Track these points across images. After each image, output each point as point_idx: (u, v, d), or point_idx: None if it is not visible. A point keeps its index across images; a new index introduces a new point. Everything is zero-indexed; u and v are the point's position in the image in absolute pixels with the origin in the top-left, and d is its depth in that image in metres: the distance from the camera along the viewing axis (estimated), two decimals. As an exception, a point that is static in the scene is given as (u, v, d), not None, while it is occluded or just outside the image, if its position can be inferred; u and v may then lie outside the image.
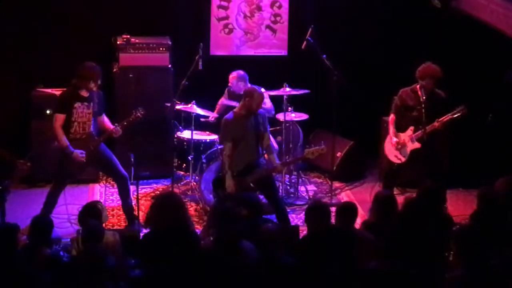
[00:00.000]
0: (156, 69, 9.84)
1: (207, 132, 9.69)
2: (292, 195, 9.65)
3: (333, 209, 6.80)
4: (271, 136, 8.54)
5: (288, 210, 8.67)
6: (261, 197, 8.89)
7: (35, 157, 9.77)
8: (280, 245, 6.13)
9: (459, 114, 8.39)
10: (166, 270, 5.84)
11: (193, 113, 9.27)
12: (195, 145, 9.37)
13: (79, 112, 8.21)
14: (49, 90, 9.76)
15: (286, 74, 9.98)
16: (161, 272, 5.85)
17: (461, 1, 9.63)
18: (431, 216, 6.62)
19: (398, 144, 8.66)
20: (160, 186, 9.85)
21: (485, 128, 9.34)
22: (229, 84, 9.52)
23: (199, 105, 9.39)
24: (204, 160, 9.12)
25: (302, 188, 9.77)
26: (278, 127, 9.55)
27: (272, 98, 9.50)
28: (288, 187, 9.75)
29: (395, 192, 8.79)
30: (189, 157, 9.35)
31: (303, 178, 9.89)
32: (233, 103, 9.24)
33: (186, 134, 9.51)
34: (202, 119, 9.56)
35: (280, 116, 9.50)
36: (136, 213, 8.49)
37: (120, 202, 8.70)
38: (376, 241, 6.43)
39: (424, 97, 8.36)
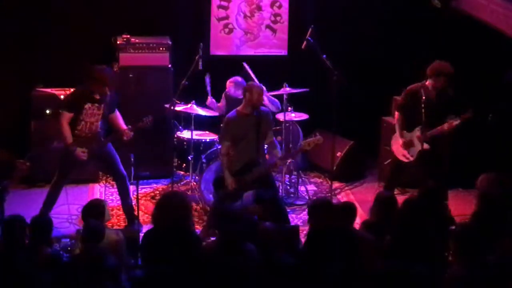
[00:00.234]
0: (156, 69, 9.84)
1: (207, 132, 9.70)
2: (292, 195, 9.65)
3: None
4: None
5: (288, 210, 8.67)
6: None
7: (34, 157, 9.74)
8: (279, 244, 6.13)
9: (467, 118, 8.39)
10: (166, 270, 5.83)
11: (192, 113, 9.27)
12: (195, 145, 9.37)
13: (89, 113, 8.21)
14: (49, 90, 9.76)
15: (286, 74, 9.98)
16: (161, 272, 5.84)
17: (461, 1, 9.62)
18: (431, 216, 6.62)
19: (405, 144, 8.63)
20: (160, 186, 9.85)
21: (485, 128, 9.33)
22: (226, 89, 9.49)
23: (199, 105, 9.39)
24: (204, 160, 9.12)
25: (302, 188, 9.76)
26: (278, 127, 9.55)
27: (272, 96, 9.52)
28: (288, 187, 9.75)
29: (395, 192, 8.79)
30: (189, 157, 9.35)
31: (303, 178, 9.89)
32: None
33: (186, 134, 9.51)
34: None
35: (280, 116, 9.50)
36: (136, 213, 8.48)
37: (119, 202, 8.70)
38: (376, 241, 6.43)
39: (424, 97, 8.33)
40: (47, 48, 10.07)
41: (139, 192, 8.44)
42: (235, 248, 6.02)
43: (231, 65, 10.02)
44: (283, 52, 10.73)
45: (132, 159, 8.26)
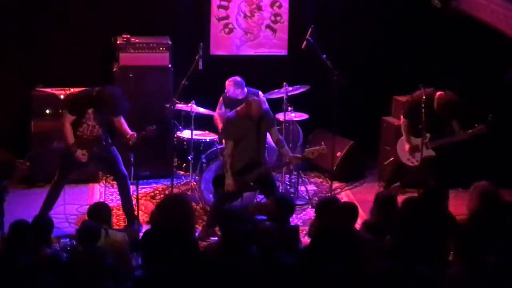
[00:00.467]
0: (156, 69, 9.84)
1: (207, 132, 9.69)
2: (292, 195, 9.64)
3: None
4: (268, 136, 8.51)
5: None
6: (261, 196, 8.93)
7: (34, 157, 9.76)
8: (279, 244, 6.13)
9: (478, 132, 8.42)
10: (166, 270, 5.83)
11: (192, 112, 9.27)
12: (195, 145, 9.37)
13: (91, 117, 8.21)
14: (49, 90, 9.76)
15: (286, 74, 9.98)
16: (161, 272, 5.84)
17: (461, 1, 9.61)
18: (432, 216, 6.61)
19: (411, 149, 8.66)
20: (160, 186, 9.85)
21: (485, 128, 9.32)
22: (226, 90, 9.46)
23: (199, 104, 9.39)
24: (204, 160, 9.12)
25: (302, 188, 9.77)
26: (278, 127, 9.53)
27: (272, 98, 9.50)
28: (288, 187, 9.75)
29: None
30: (189, 157, 9.35)
31: (303, 178, 9.89)
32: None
33: (186, 134, 9.51)
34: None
35: (280, 116, 9.50)
36: (136, 213, 8.48)
37: (120, 202, 8.70)
38: (376, 241, 6.42)
39: (423, 105, 8.34)
40: (47, 48, 10.07)
41: (139, 192, 8.44)
42: (238, 248, 6.02)
43: (231, 65, 10.01)
44: (283, 52, 10.73)
45: (132, 159, 8.27)
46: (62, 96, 9.57)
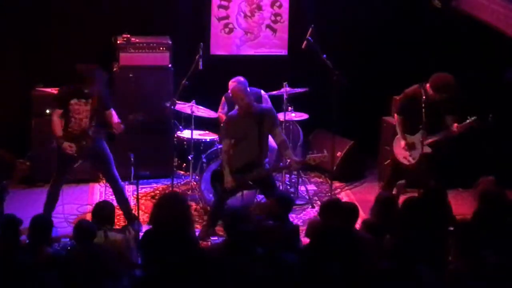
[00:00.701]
0: (156, 69, 9.84)
1: (207, 132, 9.69)
2: (292, 195, 9.64)
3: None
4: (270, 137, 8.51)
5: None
6: (261, 196, 8.93)
7: (34, 156, 9.77)
8: (280, 243, 6.14)
9: (471, 125, 8.38)
10: (165, 270, 5.83)
11: (193, 112, 9.27)
12: (195, 144, 9.37)
13: (76, 109, 8.23)
14: (49, 90, 9.75)
15: (286, 74, 9.97)
16: (160, 272, 5.84)
17: (462, 1, 9.61)
18: (432, 216, 6.62)
19: (407, 145, 8.62)
20: (160, 185, 9.85)
21: (485, 128, 9.32)
22: (229, 91, 9.43)
23: (199, 104, 9.38)
24: (204, 160, 9.12)
25: (302, 188, 9.77)
26: (278, 127, 9.55)
27: (272, 98, 9.50)
28: (288, 187, 9.76)
29: (394, 192, 8.79)
30: (189, 157, 9.35)
31: (303, 178, 9.89)
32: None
33: (186, 133, 9.51)
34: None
35: (280, 116, 9.49)
36: (136, 213, 8.48)
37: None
38: (376, 241, 6.43)
39: (424, 97, 8.30)
40: (47, 48, 10.07)
41: (139, 192, 8.44)
42: (243, 248, 6.01)
43: (232, 65, 10.01)
44: (283, 52, 10.73)
45: (132, 159, 8.26)
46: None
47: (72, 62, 8.58)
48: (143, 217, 8.63)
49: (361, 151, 10.37)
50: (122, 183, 8.63)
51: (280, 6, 10.63)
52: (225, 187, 8.21)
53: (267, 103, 9.24)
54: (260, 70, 10.06)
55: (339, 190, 9.91)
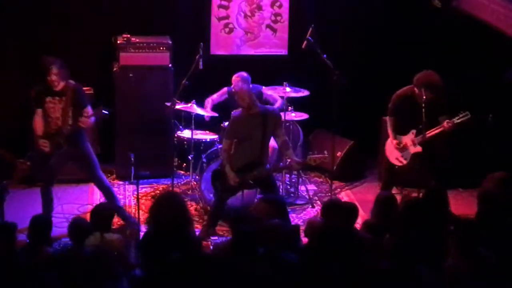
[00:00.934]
0: (156, 69, 9.84)
1: (208, 132, 9.69)
2: (292, 195, 9.65)
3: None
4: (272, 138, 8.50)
5: (289, 209, 8.65)
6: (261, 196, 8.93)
7: (34, 157, 9.74)
8: (281, 242, 6.14)
9: (463, 119, 8.36)
10: (165, 270, 5.83)
11: (193, 112, 9.27)
12: (195, 144, 9.37)
13: (50, 107, 8.23)
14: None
15: (286, 73, 9.97)
16: (160, 272, 5.84)
17: (462, 1, 9.62)
18: (432, 216, 6.62)
19: (399, 145, 8.62)
20: (160, 185, 9.85)
21: (485, 128, 9.33)
22: (232, 86, 9.44)
23: (199, 104, 9.39)
24: (204, 160, 9.12)
25: (302, 188, 9.77)
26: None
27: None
28: (288, 187, 9.76)
29: (393, 192, 8.79)
30: (189, 157, 9.35)
31: (303, 178, 9.89)
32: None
33: (186, 133, 9.51)
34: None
35: (280, 116, 9.50)
36: (136, 213, 8.48)
37: (121, 201, 8.72)
38: (376, 241, 6.43)
39: (424, 97, 8.30)
40: (48, 48, 10.05)
41: (139, 191, 8.43)
42: (248, 248, 6.01)
43: (232, 65, 10.01)
44: (284, 51, 10.73)
45: (132, 159, 8.26)
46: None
47: (72, 62, 8.58)
48: (143, 217, 8.62)
49: (361, 151, 10.37)
50: (109, 183, 8.66)
51: (280, 6, 10.63)
52: (230, 184, 8.21)
53: (275, 102, 9.29)
54: (260, 70, 10.05)
55: (339, 190, 9.92)
